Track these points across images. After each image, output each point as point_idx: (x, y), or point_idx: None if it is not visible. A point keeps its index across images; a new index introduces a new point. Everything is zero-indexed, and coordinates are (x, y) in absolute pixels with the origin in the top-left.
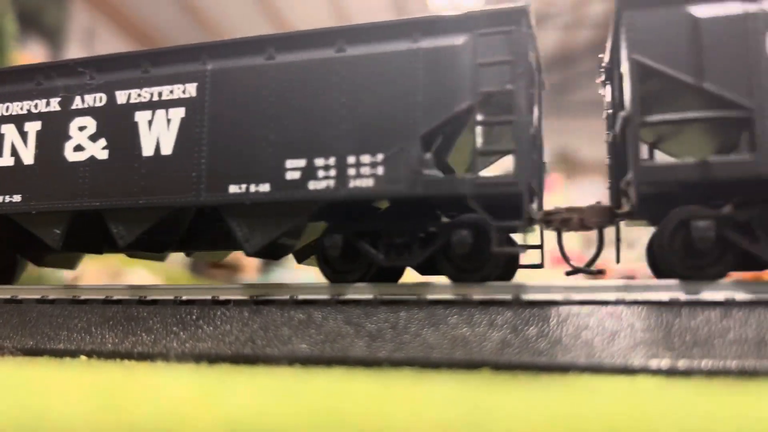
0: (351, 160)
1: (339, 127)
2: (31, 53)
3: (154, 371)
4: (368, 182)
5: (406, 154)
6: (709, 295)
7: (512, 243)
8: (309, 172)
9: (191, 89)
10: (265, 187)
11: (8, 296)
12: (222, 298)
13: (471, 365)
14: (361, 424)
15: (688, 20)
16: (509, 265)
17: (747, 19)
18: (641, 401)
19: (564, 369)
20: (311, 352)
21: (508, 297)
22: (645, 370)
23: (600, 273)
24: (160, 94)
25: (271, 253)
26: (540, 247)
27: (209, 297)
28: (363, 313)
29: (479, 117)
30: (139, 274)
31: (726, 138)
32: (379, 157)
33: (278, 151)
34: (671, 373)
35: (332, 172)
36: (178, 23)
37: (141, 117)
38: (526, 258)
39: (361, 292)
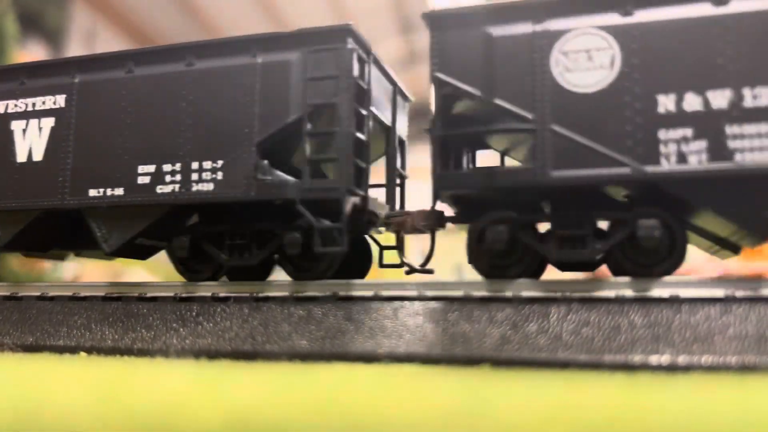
0: (195, 165)
1: (185, 135)
2: (31, 54)
3: (154, 365)
4: (209, 186)
5: (242, 161)
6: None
7: (400, 247)
8: (157, 177)
9: (60, 100)
10: (119, 191)
11: (8, 293)
12: (222, 294)
13: (471, 361)
14: (362, 417)
15: (486, 39)
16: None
17: (534, 37)
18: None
19: (564, 365)
20: (311, 348)
21: (508, 294)
22: (645, 366)
23: (430, 272)
24: (33, 105)
25: (133, 253)
26: (395, 247)
27: (209, 294)
28: (363, 310)
29: (308, 127)
30: (139, 274)
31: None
32: (219, 163)
33: (132, 158)
34: (672, 368)
35: (178, 177)
36: (179, 24)
37: (16, 126)
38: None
39: (361, 289)
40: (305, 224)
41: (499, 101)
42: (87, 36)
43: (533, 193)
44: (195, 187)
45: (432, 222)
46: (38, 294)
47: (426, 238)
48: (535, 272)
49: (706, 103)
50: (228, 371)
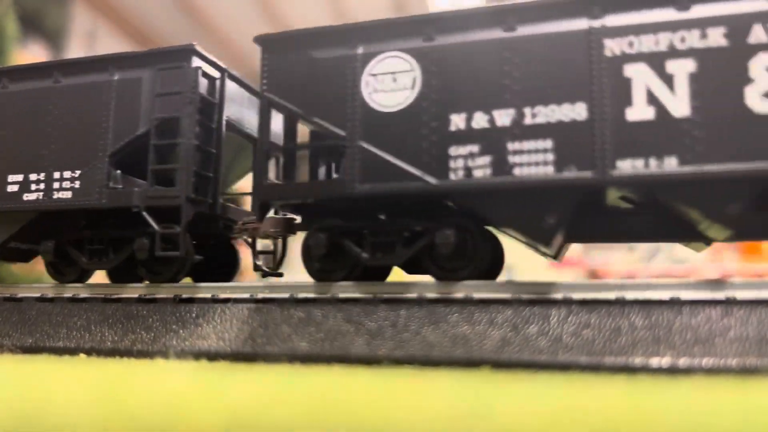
0: (56, 175)
1: (50, 147)
2: (32, 55)
3: (154, 366)
4: (68, 194)
5: (97, 171)
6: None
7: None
8: (25, 186)
9: None
10: None
11: (8, 294)
12: (222, 296)
13: (471, 363)
14: (361, 419)
15: (308, 62)
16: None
17: (348, 60)
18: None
19: (564, 367)
20: (311, 350)
21: (508, 296)
22: (646, 368)
23: (280, 275)
24: None
25: (13, 256)
26: (272, 252)
27: (209, 295)
28: (363, 312)
29: (154, 139)
30: None
31: None
32: (77, 173)
33: (3, 168)
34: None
35: (42, 186)
36: (179, 24)
37: None
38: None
39: (360, 290)
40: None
41: (317, 119)
42: (87, 37)
43: (351, 204)
44: (56, 195)
45: (282, 228)
46: (38, 295)
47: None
48: (382, 275)
49: (492, 121)
50: (228, 373)
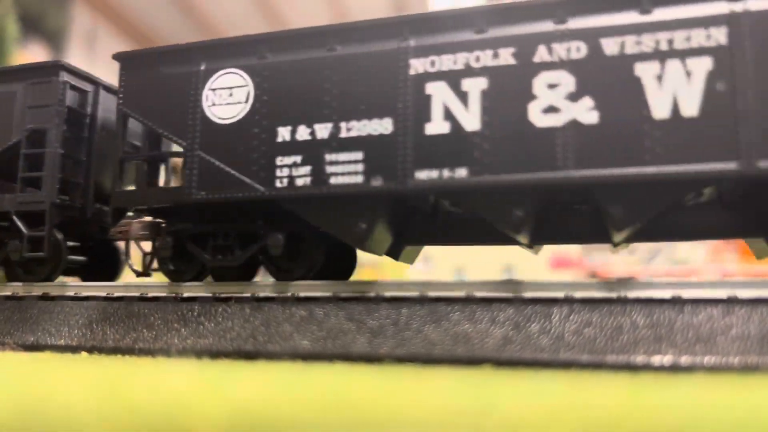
0: None
1: None
2: (32, 55)
3: (157, 364)
4: None
5: None
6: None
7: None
8: None
9: None
10: None
11: (9, 293)
12: (223, 295)
13: (473, 361)
14: (364, 417)
15: (158, 78)
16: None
17: (191, 76)
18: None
19: (566, 365)
20: (313, 348)
21: (509, 294)
22: (647, 366)
23: (148, 275)
24: None
25: None
26: (150, 254)
27: (210, 294)
28: (364, 310)
29: (24, 149)
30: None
31: None
32: None
33: None
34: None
35: None
36: (179, 25)
37: None
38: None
39: (363, 289)
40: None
41: (164, 131)
42: (87, 37)
43: (199, 209)
44: None
45: (150, 231)
46: (40, 294)
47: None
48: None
49: (313, 134)
50: (230, 371)
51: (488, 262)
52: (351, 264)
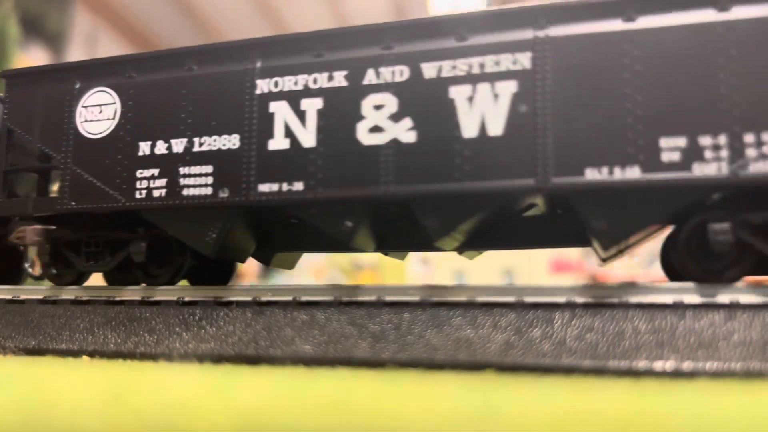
0: None
1: None
2: (33, 58)
3: (161, 368)
4: None
5: None
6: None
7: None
8: None
9: None
10: None
11: (10, 296)
12: (225, 299)
13: (475, 366)
14: (366, 421)
15: (38, 96)
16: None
17: (66, 94)
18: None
19: (568, 370)
20: (315, 353)
21: (511, 299)
22: (649, 372)
23: (42, 278)
24: None
25: None
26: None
27: (212, 298)
28: (366, 314)
29: None
30: None
31: None
32: None
33: None
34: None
35: None
36: (179, 27)
37: None
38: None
39: (364, 293)
40: None
41: (42, 146)
42: (88, 39)
43: (76, 219)
44: None
45: (42, 237)
46: (41, 297)
47: None
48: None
49: (170, 148)
50: (234, 375)
51: (488, 265)
52: (229, 269)
